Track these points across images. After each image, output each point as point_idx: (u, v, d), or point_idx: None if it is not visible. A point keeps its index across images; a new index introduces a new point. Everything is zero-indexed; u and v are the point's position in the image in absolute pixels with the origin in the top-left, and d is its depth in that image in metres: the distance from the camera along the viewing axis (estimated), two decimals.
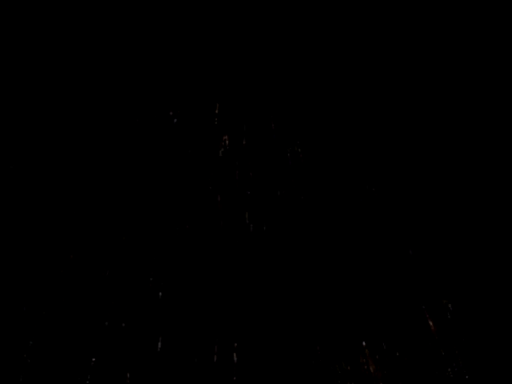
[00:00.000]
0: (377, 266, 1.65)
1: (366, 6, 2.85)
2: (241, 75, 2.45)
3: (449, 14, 2.83)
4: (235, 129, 2.14)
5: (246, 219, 1.76)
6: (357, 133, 2.17)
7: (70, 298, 1.46)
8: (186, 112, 2.22)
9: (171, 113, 2.19)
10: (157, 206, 1.78)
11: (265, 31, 2.72)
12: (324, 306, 1.52)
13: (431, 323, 1.50)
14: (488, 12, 2.82)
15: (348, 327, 1.47)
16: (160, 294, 1.50)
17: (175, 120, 2.16)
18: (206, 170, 1.95)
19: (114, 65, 2.41)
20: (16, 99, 2.09)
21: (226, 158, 2.00)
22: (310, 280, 1.59)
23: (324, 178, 1.95)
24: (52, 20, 2.52)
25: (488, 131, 2.15)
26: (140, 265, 1.58)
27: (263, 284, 1.56)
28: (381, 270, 1.64)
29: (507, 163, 2.00)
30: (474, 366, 1.41)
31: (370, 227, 1.78)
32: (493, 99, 2.27)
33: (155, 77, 2.39)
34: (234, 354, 1.37)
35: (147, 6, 2.73)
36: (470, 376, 1.39)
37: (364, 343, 1.44)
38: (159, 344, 1.37)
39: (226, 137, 2.08)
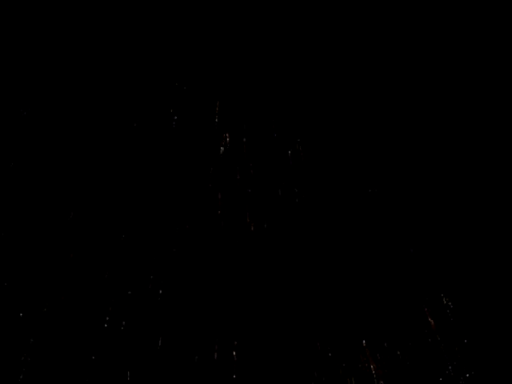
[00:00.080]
0: (377, 263, 1.65)
1: (366, 6, 2.84)
2: (241, 73, 2.45)
3: (449, 14, 2.81)
4: (236, 127, 2.14)
5: (246, 218, 1.76)
6: (358, 131, 2.17)
7: (71, 296, 1.47)
8: (186, 110, 2.21)
9: (171, 110, 2.19)
10: (157, 204, 1.78)
11: (265, 29, 2.71)
12: (324, 304, 1.52)
13: (431, 321, 1.50)
14: (488, 12, 2.81)
15: (348, 325, 1.47)
16: (160, 291, 1.50)
17: (175, 118, 2.15)
18: (206, 168, 1.94)
19: (113, 62, 2.41)
20: (16, 99, 2.08)
21: (227, 156, 1.99)
22: (310, 278, 1.59)
23: (325, 177, 1.95)
24: (52, 20, 2.51)
25: (488, 131, 2.14)
26: (140, 263, 1.58)
27: (264, 282, 1.56)
28: (381, 268, 1.64)
29: (506, 162, 2.00)
30: (475, 363, 1.41)
31: (370, 225, 1.77)
32: (493, 99, 2.27)
33: (156, 74, 2.39)
34: (234, 352, 1.37)
35: (147, 3, 2.72)
36: (471, 374, 1.39)
37: (364, 341, 1.44)
38: (159, 342, 1.37)
39: (226, 134, 2.08)
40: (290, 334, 1.43)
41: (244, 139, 2.07)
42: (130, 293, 1.49)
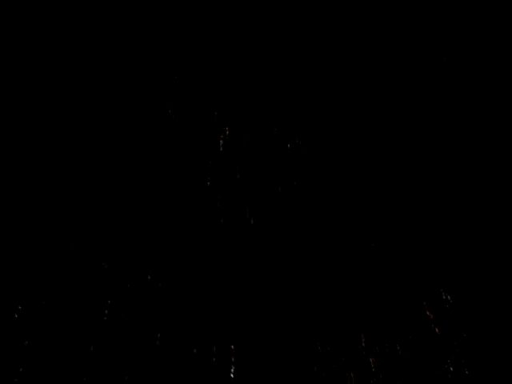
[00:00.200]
0: (376, 257, 1.65)
1: (366, 6, 2.82)
2: (241, 66, 2.43)
3: (449, 14, 2.80)
4: (236, 120, 2.13)
5: (246, 212, 1.76)
6: (358, 125, 2.16)
7: (70, 288, 1.47)
8: (186, 103, 2.20)
9: (171, 103, 2.18)
10: (156, 197, 1.78)
11: (265, 24, 2.70)
12: (323, 299, 1.52)
13: (430, 315, 1.51)
14: (488, 12, 2.79)
15: (347, 319, 1.48)
16: (160, 285, 1.50)
17: (175, 110, 2.14)
18: (205, 162, 1.94)
19: (111, 54, 2.39)
20: (16, 98, 2.07)
21: (227, 149, 1.99)
22: (309, 272, 1.59)
23: (325, 171, 1.95)
24: (52, 20, 2.49)
25: (488, 131, 2.14)
26: (139, 256, 1.58)
27: (263, 276, 1.56)
28: (380, 262, 1.64)
29: (505, 159, 1.99)
30: (474, 358, 1.42)
31: (369, 219, 1.77)
32: (493, 99, 2.26)
33: (155, 67, 2.38)
34: (232, 346, 1.38)
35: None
36: (470, 369, 1.40)
37: (363, 335, 1.44)
38: (158, 336, 1.38)
39: (226, 128, 2.07)
40: (288, 329, 1.44)
41: (244, 133, 2.06)
42: (129, 286, 1.49)
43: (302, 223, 1.74)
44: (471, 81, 2.36)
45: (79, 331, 1.38)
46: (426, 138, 2.11)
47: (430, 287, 1.58)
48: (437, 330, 1.47)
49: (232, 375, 1.32)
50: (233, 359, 1.35)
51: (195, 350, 1.36)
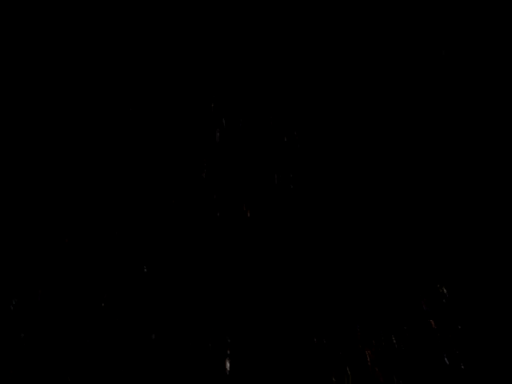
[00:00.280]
0: (372, 251, 1.65)
1: (367, 5, 2.80)
2: (238, 59, 2.42)
3: (449, 13, 2.78)
4: (232, 112, 2.12)
5: (242, 205, 1.75)
6: (355, 117, 2.15)
7: (66, 281, 1.46)
8: (182, 96, 2.19)
9: (169, 95, 2.16)
10: (152, 190, 1.77)
11: (262, 19, 2.67)
12: (319, 292, 1.52)
13: (426, 308, 1.51)
14: (488, 12, 2.78)
15: (343, 312, 1.48)
16: (155, 279, 1.50)
17: (171, 102, 2.13)
18: (202, 153, 1.93)
19: (108, 47, 2.37)
20: (16, 98, 2.06)
21: (223, 142, 1.98)
22: (305, 265, 1.59)
23: (321, 163, 1.94)
24: (52, 20, 2.47)
25: (488, 131, 2.13)
26: (135, 250, 1.58)
27: (259, 269, 1.56)
28: (376, 255, 1.64)
29: (501, 156, 1.99)
30: (469, 351, 1.42)
31: (366, 212, 1.77)
32: (493, 99, 2.25)
33: (152, 60, 2.36)
34: (228, 340, 1.38)
35: None
36: (466, 363, 1.40)
37: (359, 328, 1.44)
38: (153, 333, 1.38)
39: (222, 120, 2.06)
40: (284, 322, 1.44)
41: (240, 125, 2.05)
42: (125, 279, 1.49)
43: (299, 216, 1.73)
44: (471, 77, 2.35)
45: (75, 322, 1.37)
46: (422, 131, 2.11)
47: (426, 280, 1.59)
48: (432, 322, 1.48)
49: (228, 369, 1.32)
50: (228, 352, 1.35)
51: (191, 344, 1.36)
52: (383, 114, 2.17)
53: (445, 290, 1.56)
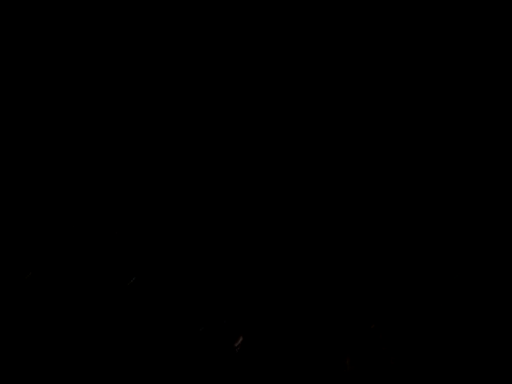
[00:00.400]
0: (386, 238, 1.66)
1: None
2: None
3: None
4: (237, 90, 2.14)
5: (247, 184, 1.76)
6: (355, 117, 2.18)
7: (61, 274, 1.46)
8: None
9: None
10: (159, 162, 1.78)
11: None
12: (329, 274, 1.53)
13: (434, 291, 1.51)
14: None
15: (356, 302, 1.48)
16: (165, 259, 1.50)
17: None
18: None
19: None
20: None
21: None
22: (314, 250, 1.59)
23: (328, 146, 1.96)
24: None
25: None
26: (143, 230, 1.58)
27: (266, 254, 1.56)
28: (386, 241, 1.65)
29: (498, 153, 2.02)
30: (476, 336, 1.43)
31: (373, 200, 1.79)
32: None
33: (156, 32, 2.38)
34: (240, 331, 1.38)
35: None
36: (473, 345, 1.40)
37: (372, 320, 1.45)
38: (164, 312, 1.38)
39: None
40: (294, 305, 1.44)
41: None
42: (140, 252, 1.49)
43: (306, 207, 1.75)
44: (471, 78, 2.39)
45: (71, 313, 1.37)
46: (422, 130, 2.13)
47: (436, 266, 1.60)
48: (440, 306, 1.48)
49: (236, 350, 1.32)
50: (237, 342, 1.35)
51: (201, 329, 1.36)
52: (383, 114, 2.20)
53: (452, 278, 1.57)
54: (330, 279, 1.49)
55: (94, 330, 1.30)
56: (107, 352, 1.25)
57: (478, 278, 1.54)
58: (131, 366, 1.23)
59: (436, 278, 1.51)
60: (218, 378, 1.23)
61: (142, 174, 1.60)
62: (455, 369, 1.29)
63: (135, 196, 1.56)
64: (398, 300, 1.47)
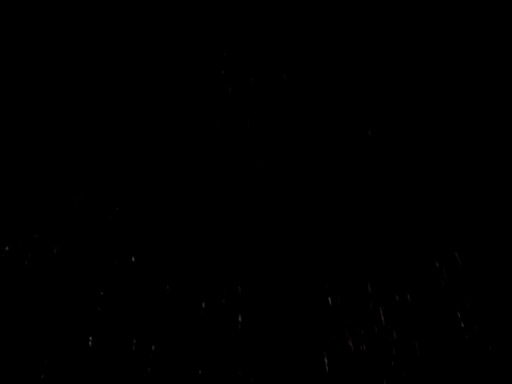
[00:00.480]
0: (389, 211, 1.64)
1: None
2: (247, 22, 2.41)
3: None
4: (242, 77, 2.11)
5: (255, 159, 1.74)
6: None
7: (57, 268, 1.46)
8: (193, 59, 2.18)
9: (179, 57, 2.16)
10: (161, 150, 1.77)
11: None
12: (331, 249, 1.52)
13: (440, 268, 1.50)
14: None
15: (353, 267, 1.47)
16: (167, 233, 1.50)
17: (182, 65, 2.12)
18: (213, 110, 1.92)
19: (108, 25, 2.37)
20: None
21: (234, 97, 1.97)
22: (315, 226, 1.58)
23: (333, 119, 1.93)
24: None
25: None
26: (146, 209, 1.58)
27: (270, 223, 1.56)
28: (393, 216, 1.63)
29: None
30: (481, 306, 1.42)
31: (383, 172, 1.77)
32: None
33: (162, 24, 2.35)
34: (239, 288, 1.37)
35: None
36: (477, 319, 1.39)
37: (370, 286, 1.44)
38: (167, 287, 1.38)
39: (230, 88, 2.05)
40: (296, 280, 1.43)
41: (252, 79, 2.04)
42: (140, 230, 1.49)
43: (309, 177, 1.73)
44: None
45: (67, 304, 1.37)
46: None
47: (440, 242, 1.58)
48: (445, 282, 1.47)
49: (239, 326, 1.32)
50: (239, 315, 1.35)
51: (204, 304, 1.36)
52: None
53: (457, 254, 1.55)
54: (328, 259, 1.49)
55: (91, 308, 1.31)
56: (106, 334, 1.26)
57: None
58: (132, 352, 1.24)
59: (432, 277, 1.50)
60: (223, 353, 1.24)
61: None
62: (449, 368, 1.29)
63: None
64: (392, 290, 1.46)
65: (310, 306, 1.38)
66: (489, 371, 1.29)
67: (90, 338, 1.25)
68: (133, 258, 1.44)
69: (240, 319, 1.31)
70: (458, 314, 1.40)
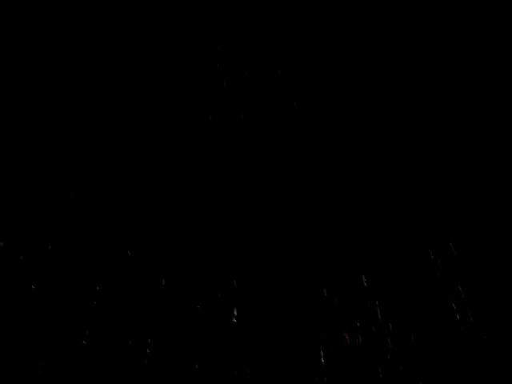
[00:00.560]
0: (383, 204, 1.64)
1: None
2: (243, 17, 2.40)
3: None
4: (236, 71, 2.10)
5: (249, 155, 1.74)
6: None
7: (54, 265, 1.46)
8: (188, 56, 2.17)
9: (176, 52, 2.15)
10: (158, 146, 1.76)
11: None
12: (327, 242, 1.52)
13: (436, 259, 1.50)
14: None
15: (348, 261, 1.47)
16: (161, 226, 1.50)
17: (177, 59, 2.12)
18: (207, 105, 1.92)
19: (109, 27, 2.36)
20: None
21: (229, 92, 1.97)
22: (310, 219, 1.58)
23: (329, 111, 1.93)
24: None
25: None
26: (141, 205, 1.57)
27: (266, 221, 1.55)
28: (387, 208, 1.63)
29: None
30: (476, 296, 1.42)
31: (378, 160, 1.76)
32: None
33: (157, 20, 2.34)
34: (235, 282, 1.37)
35: None
36: (473, 314, 1.40)
37: (365, 279, 1.44)
38: (163, 281, 1.37)
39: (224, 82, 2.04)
40: (292, 273, 1.43)
41: (246, 73, 2.04)
42: (135, 225, 1.49)
43: (306, 169, 1.73)
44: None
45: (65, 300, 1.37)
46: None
47: (435, 232, 1.58)
48: (440, 274, 1.47)
49: (235, 319, 1.32)
50: (235, 307, 1.35)
51: (199, 298, 1.36)
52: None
53: (451, 244, 1.55)
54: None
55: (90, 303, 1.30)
56: (105, 329, 1.26)
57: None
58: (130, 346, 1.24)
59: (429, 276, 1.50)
60: (219, 347, 1.24)
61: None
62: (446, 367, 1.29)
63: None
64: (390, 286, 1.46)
65: (306, 299, 1.38)
66: (484, 362, 1.30)
67: (87, 333, 1.25)
68: (129, 253, 1.44)
69: (235, 313, 1.31)
70: (454, 305, 1.40)
